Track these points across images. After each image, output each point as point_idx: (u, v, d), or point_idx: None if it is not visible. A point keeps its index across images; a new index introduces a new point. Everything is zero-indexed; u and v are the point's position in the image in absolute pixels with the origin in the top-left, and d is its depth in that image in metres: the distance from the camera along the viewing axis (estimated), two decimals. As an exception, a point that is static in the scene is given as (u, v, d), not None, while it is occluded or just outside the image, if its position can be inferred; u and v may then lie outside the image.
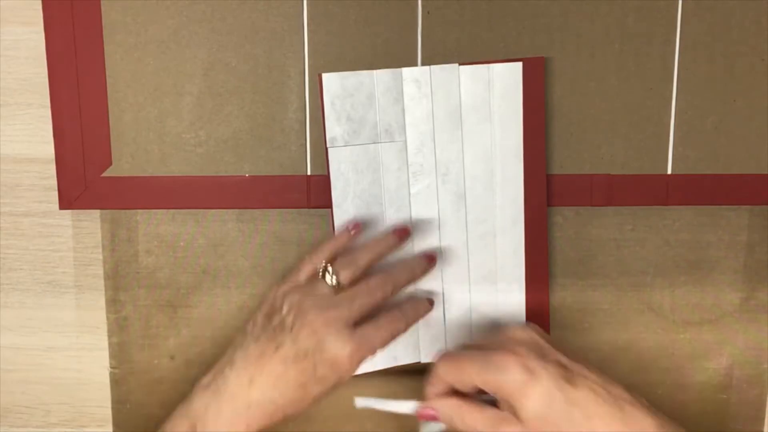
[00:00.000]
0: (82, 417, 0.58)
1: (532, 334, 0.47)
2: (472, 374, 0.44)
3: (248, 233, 0.54)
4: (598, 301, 0.55)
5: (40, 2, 0.51)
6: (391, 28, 0.51)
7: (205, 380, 0.47)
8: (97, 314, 0.56)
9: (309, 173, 0.53)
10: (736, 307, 0.55)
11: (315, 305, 0.45)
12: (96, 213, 0.54)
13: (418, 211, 0.53)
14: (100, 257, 0.55)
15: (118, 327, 0.56)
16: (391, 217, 0.53)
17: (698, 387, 0.56)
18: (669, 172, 0.53)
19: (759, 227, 0.54)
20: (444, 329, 0.54)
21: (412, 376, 0.54)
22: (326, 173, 0.52)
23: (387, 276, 0.48)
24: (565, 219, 0.54)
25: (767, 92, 0.52)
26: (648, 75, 0.52)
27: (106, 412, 0.57)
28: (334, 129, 0.52)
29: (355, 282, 0.47)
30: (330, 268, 0.47)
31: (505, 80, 0.51)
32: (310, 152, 0.53)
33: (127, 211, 0.54)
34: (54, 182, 0.53)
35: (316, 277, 0.48)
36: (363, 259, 0.48)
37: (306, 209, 0.54)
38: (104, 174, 0.53)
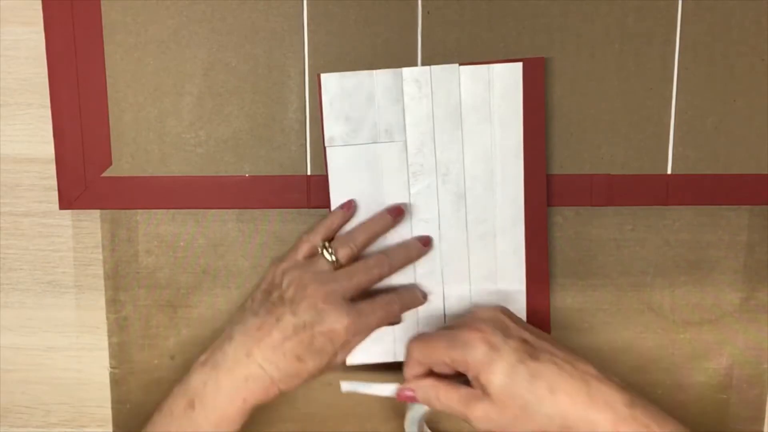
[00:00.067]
0: (82, 417, 0.58)
1: (497, 314, 0.48)
2: (440, 352, 0.46)
3: (248, 233, 0.54)
4: (598, 301, 0.55)
5: (40, 2, 0.51)
6: (391, 28, 0.51)
7: (203, 357, 0.48)
8: (97, 314, 0.56)
9: (309, 173, 0.53)
10: (736, 307, 0.55)
11: (315, 280, 0.47)
12: (96, 213, 0.54)
13: (418, 211, 0.53)
14: (100, 257, 0.55)
15: (118, 327, 0.56)
16: (391, 217, 0.53)
17: (698, 387, 0.56)
18: (669, 172, 0.53)
19: (759, 227, 0.54)
20: (444, 329, 0.54)
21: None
22: (325, 173, 0.52)
23: (384, 256, 0.50)
24: (565, 219, 0.54)
25: (767, 92, 0.52)
26: (648, 75, 0.52)
27: (106, 412, 0.57)
28: (332, 129, 0.52)
29: (352, 260, 0.49)
30: (329, 246, 0.49)
31: (505, 80, 0.51)
32: (310, 152, 0.53)
33: (127, 211, 0.54)
34: (54, 182, 0.53)
35: (315, 255, 0.49)
36: (360, 237, 0.50)
37: (306, 209, 0.54)
38: (104, 174, 0.53)
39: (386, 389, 0.49)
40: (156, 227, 0.54)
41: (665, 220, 0.54)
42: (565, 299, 0.55)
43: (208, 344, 0.54)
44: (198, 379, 0.47)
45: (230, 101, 0.52)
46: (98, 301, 0.56)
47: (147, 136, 0.53)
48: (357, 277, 0.48)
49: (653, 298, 0.55)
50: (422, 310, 0.54)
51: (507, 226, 0.53)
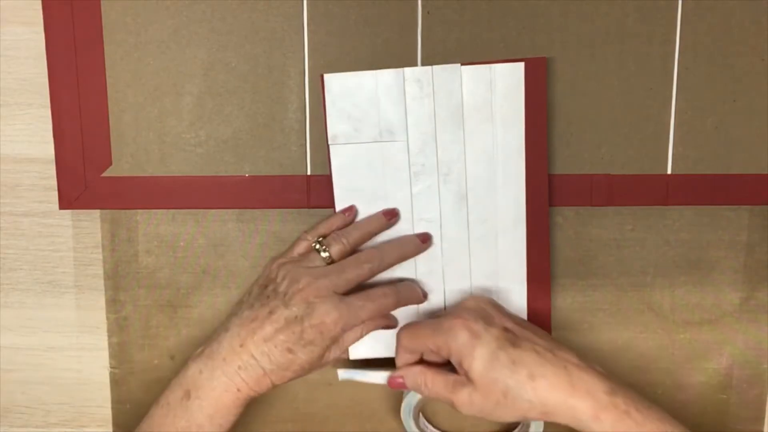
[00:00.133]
0: (82, 417, 0.58)
1: (482, 304, 0.50)
2: (426, 339, 0.48)
3: (248, 233, 0.54)
4: (598, 301, 0.55)
5: (40, 2, 0.51)
6: (391, 28, 0.51)
7: (200, 349, 0.49)
8: (97, 314, 0.56)
9: (309, 173, 0.53)
10: (736, 307, 0.55)
11: (307, 274, 0.48)
12: (96, 213, 0.54)
13: (420, 210, 0.53)
14: (100, 257, 0.55)
15: (118, 327, 0.56)
16: (392, 217, 0.53)
17: (698, 387, 0.56)
18: (669, 172, 0.53)
19: (759, 227, 0.54)
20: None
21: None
22: (328, 172, 0.52)
23: (376, 251, 0.50)
24: (565, 219, 0.54)
25: (767, 92, 0.52)
26: (648, 75, 0.52)
27: (106, 412, 0.57)
28: (335, 127, 0.52)
29: (345, 256, 0.50)
30: (322, 243, 0.50)
31: (507, 80, 0.51)
32: (310, 152, 0.53)
33: (127, 211, 0.54)
34: (54, 182, 0.53)
35: (310, 252, 0.50)
36: (353, 235, 0.51)
37: (306, 209, 0.54)
38: (104, 174, 0.53)
39: (380, 377, 0.51)
40: (156, 227, 0.54)
41: (665, 220, 0.54)
42: (565, 299, 0.55)
43: (208, 344, 0.55)
44: (194, 367, 0.48)
45: (230, 101, 0.52)
46: (98, 301, 0.56)
47: (147, 136, 0.53)
48: (348, 272, 0.49)
49: (653, 298, 0.55)
50: (423, 309, 0.54)
51: (508, 226, 0.53)
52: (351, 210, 0.52)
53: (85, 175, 0.53)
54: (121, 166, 0.53)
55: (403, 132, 0.52)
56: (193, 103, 0.52)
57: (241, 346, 0.47)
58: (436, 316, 0.53)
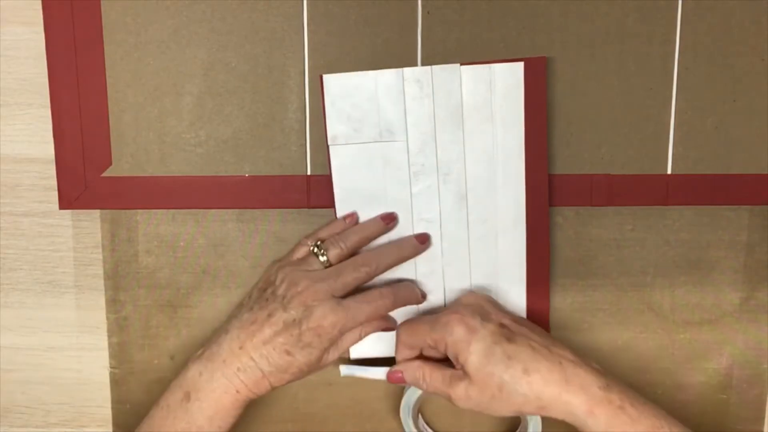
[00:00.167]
0: (82, 417, 0.58)
1: (479, 300, 0.51)
2: (424, 335, 0.49)
3: (248, 233, 0.54)
4: (598, 301, 0.55)
5: (40, 2, 0.51)
6: (391, 28, 0.51)
7: (200, 351, 0.49)
8: (97, 314, 0.56)
9: (309, 173, 0.53)
10: (736, 307, 0.55)
11: (305, 278, 0.48)
12: (96, 213, 0.54)
13: (420, 210, 0.53)
14: (100, 257, 0.55)
15: (118, 327, 0.56)
16: (392, 217, 0.53)
17: (698, 387, 0.56)
18: (669, 172, 0.53)
19: (759, 227, 0.54)
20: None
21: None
22: (328, 172, 0.52)
23: (373, 254, 0.51)
24: (565, 219, 0.54)
25: (767, 92, 0.52)
26: (648, 75, 0.52)
27: (106, 412, 0.57)
28: (335, 128, 0.52)
29: (344, 260, 0.50)
30: (321, 246, 0.50)
31: (506, 80, 0.51)
32: (310, 152, 0.53)
33: (127, 211, 0.54)
34: (54, 182, 0.53)
35: (309, 256, 0.51)
36: (351, 240, 0.51)
37: (306, 209, 0.54)
38: (104, 174, 0.53)
39: (381, 372, 0.52)
40: (156, 227, 0.54)
41: (665, 220, 0.54)
42: (565, 299, 0.55)
43: (208, 344, 0.55)
44: (194, 369, 0.48)
45: (230, 101, 0.52)
46: (98, 301, 0.56)
47: (147, 136, 0.53)
48: (345, 275, 0.49)
49: (653, 298, 0.55)
50: (423, 309, 0.54)
51: (508, 226, 0.53)
52: (352, 216, 0.52)
53: (85, 175, 0.53)
54: (121, 166, 0.53)
55: (403, 132, 0.52)
56: (193, 103, 0.52)
57: (241, 348, 0.47)
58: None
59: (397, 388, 0.56)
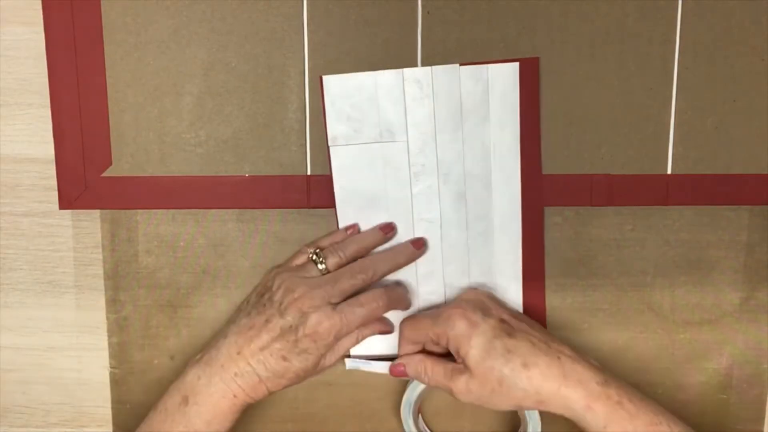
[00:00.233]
0: (82, 417, 0.58)
1: (479, 295, 0.52)
2: (426, 329, 0.50)
3: (248, 233, 0.54)
4: (598, 301, 0.55)
5: (40, 2, 0.51)
6: (391, 28, 0.51)
7: (198, 355, 0.50)
8: (97, 314, 0.56)
9: (309, 173, 0.53)
10: (736, 307, 0.55)
11: (302, 284, 0.49)
12: (96, 213, 0.54)
13: (420, 210, 0.53)
14: (100, 257, 0.55)
15: (118, 327, 0.56)
16: (393, 216, 0.53)
17: (698, 387, 0.56)
18: (669, 172, 0.53)
19: (759, 227, 0.54)
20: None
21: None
22: (328, 172, 0.52)
23: (370, 261, 0.51)
24: (565, 219, 0.54)
25: (767, 92, 0.52)
26: (648, 75, 0.52)
27: (106, 412, 0.57)
28: (335, 128, 0.52)
29: (341, 267, 0.51)
30: (319, 254, 0.51)
31: (502, 80, 0.51)
32: (310, 152, 0.53)
33: (127, 211, 0.54)
34: (54, 182, 0.53)
35: (308, 263, 0.51)
36: (350, 249, 0.51)
37: (306, 209, 0.54)
38: (104, 174, 0.53)
39: (384, 366, 0.53)
40: (156, 227, 0.54)
41: (665, 220, 0.54)
42: (565, 299, 0.55)
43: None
44: (192, 373, 0.49)
45: (230, 101, 0.52)
46: (98, 301, 0.56)
47: (147, 136, 0.53)
48: (341, 282, 0.49)
49: (653, 298, 0.55)
50: (424, 307, 0.54)
51: (504, 224, 0.53)
52: (354, 228, 0.53)
53: (85, 175, 0.53)
54: (121, 166, 0.53)
55: (403, 132, 0.52)
56: (193, 103, 0.52)
57: (238, 353, 0.48)
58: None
59: (396, 388, 0.56)
